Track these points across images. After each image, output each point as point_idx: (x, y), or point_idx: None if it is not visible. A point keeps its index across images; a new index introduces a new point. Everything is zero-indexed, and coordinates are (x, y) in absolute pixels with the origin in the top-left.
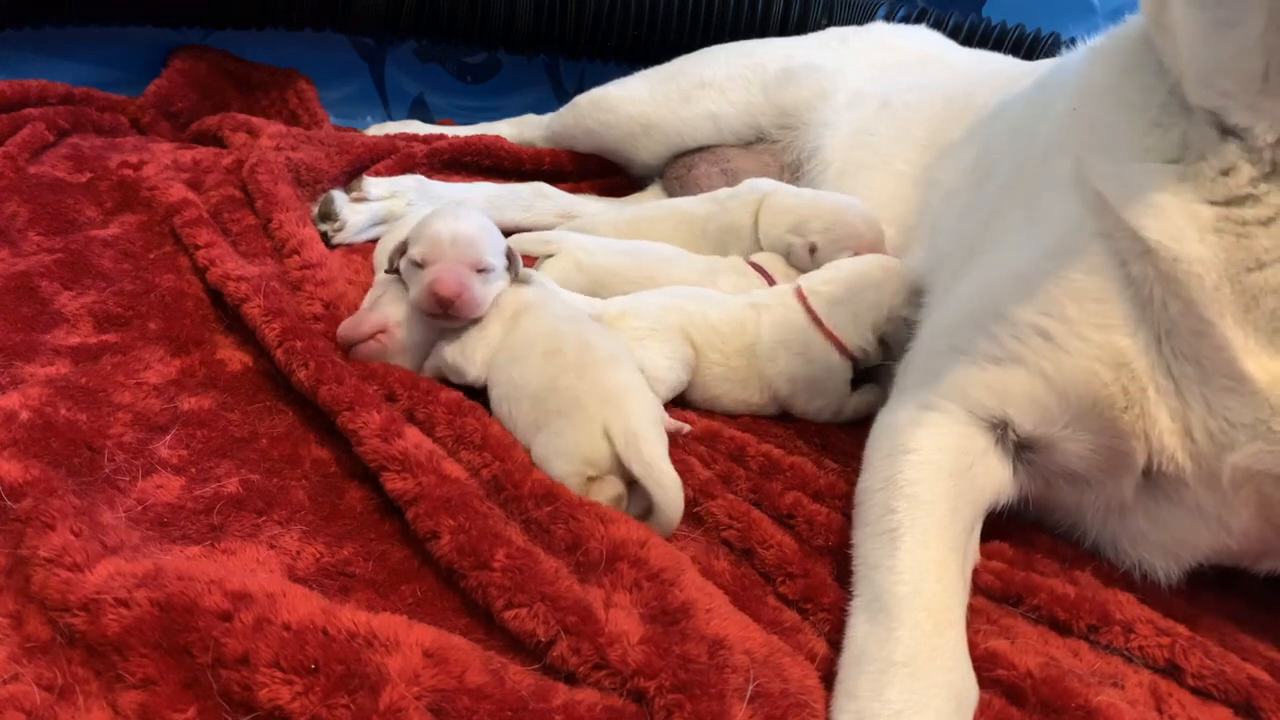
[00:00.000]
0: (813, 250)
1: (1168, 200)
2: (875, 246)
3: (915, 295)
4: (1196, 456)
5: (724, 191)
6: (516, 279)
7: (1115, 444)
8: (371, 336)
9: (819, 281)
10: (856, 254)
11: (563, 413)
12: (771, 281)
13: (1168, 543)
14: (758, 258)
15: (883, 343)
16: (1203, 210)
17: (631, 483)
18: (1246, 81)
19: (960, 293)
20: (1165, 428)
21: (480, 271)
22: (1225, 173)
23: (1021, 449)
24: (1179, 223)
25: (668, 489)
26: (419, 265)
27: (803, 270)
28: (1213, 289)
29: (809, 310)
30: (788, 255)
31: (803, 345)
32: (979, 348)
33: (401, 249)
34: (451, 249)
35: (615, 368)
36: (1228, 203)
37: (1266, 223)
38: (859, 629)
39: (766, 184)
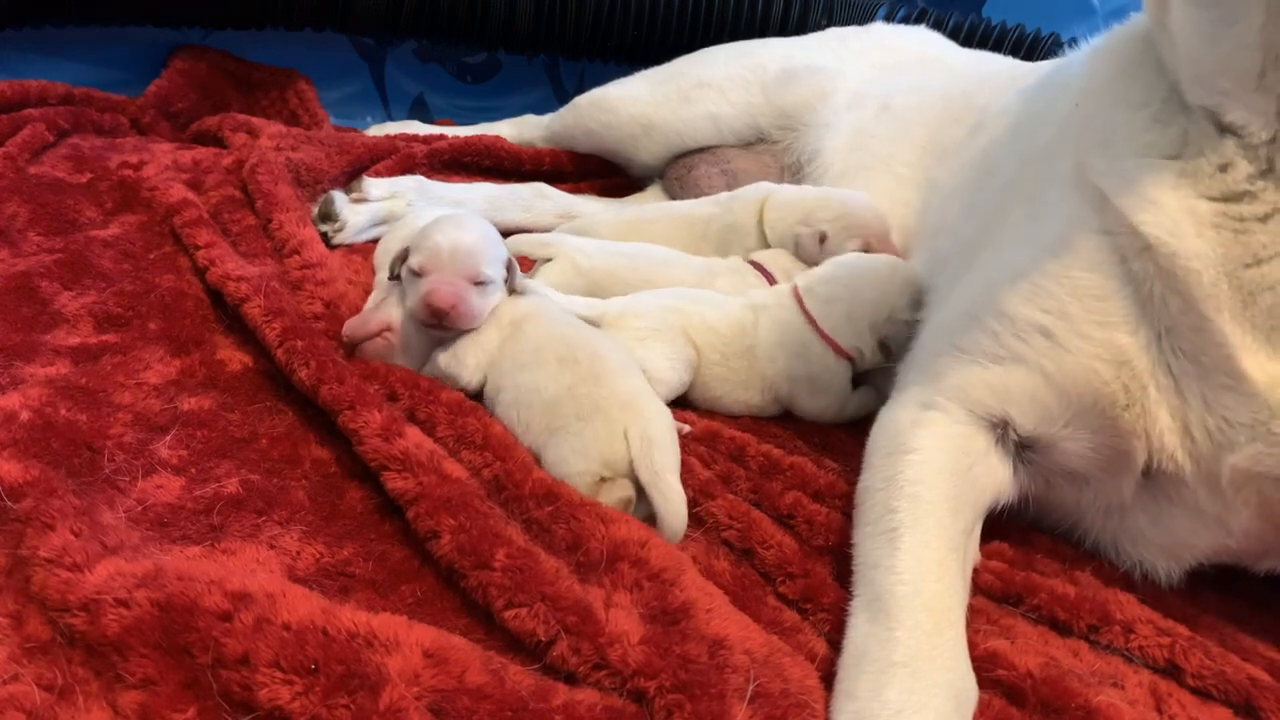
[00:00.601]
0: (822, 240)
1: (1167, 196)
2: (884, 237)
3: (919, 297)
4: (1196, 456)
5: (725, 194)
6: (514, 290)
7: (1115, 443)
8: (378, 334)
9: (816, 280)
10: (865, 245)
11: (583, 417)
12: (772, 281)
13: (1168, 543)
14: (758, 256)
15: (884, 346)
16: (1201, 206)
17: (642, 489)
18: (1243, 79)
19: (962, 292)
20: (1165, 426)
21: (478, 284)
22: (1223, 169)
23: (1022, 448)
24: (1177, 218)
25: (670, 501)
26: (417, 274)
27: (811, 264)
28: (1210, 284)
29: (804, 310)
30: (796, 247)
31: (800, 345)
32: (980, 346)
33: (403, 255)
34: (450, 260)
35: (626, 376)
36: (1226, 199)
37: (1264, 219)
38: (859, 629)
39: (769, 185)
